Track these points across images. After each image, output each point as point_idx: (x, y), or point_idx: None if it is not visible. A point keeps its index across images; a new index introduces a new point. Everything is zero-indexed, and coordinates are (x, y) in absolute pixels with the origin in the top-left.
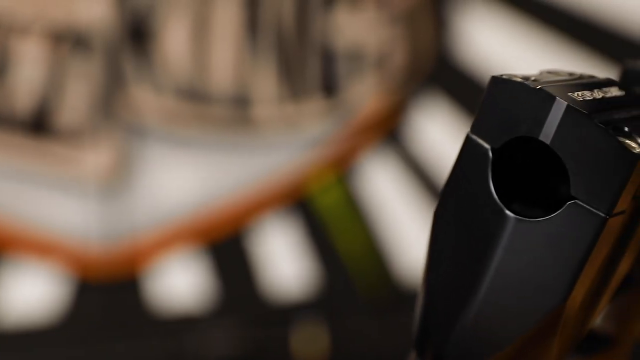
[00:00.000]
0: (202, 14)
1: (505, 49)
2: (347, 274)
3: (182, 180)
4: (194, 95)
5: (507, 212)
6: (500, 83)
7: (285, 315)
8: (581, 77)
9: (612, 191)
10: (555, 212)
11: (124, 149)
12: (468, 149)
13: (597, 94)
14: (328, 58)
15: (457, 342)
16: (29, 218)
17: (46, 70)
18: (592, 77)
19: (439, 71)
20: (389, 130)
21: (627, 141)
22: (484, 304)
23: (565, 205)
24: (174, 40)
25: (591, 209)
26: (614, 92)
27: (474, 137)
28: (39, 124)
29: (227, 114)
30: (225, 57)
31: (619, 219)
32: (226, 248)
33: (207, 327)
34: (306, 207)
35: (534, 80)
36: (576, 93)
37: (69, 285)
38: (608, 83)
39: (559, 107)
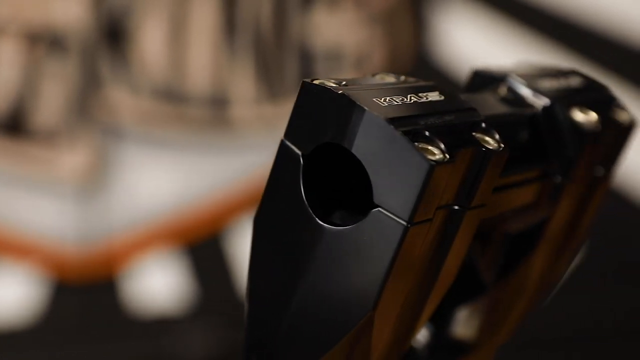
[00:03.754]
0: (179, 14)
1: (484, 48)
2: None
3: (160, 181)
4: (171, 95)
5: (317, 220)
6: (309, 88)
7: None
8: (405, 81)
9: (411, 199)
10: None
11: (100, 150)
12: (282, 155)
13: (410, 99)
14: (306, 58)
15: (277, 354)
16: (5, 219)
17: (22, 71)
18: (417, 81)
19: (418, 71)
20: None
21: (429, 147)
22: (300, 315)
23: (370, 213)
24: (151, 40)
25: (393, 217)
26: (432, 97)
27: (288, 143)
28: (14, 125)
29: (205, 114)
30: (202, 57)
31: (424, 228)
32: (204, 249)
33: (185, 328)
34: None
35: (344, 85)
36: (384, 98)
37: (46, 287)
38: (430, 88)
39: (359, 112)
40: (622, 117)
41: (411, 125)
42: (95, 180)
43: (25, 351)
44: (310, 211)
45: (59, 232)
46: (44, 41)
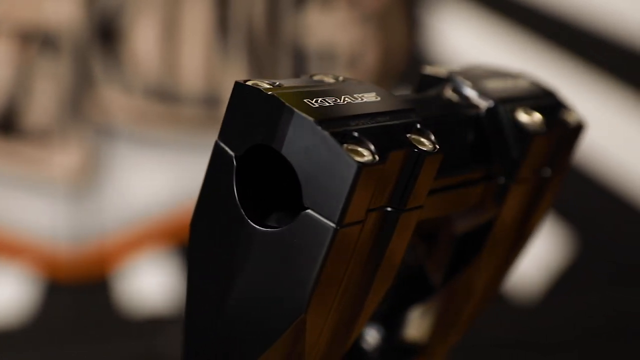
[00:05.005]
0: (172, 13)
1: (478, 48)
2: None
3: (153, 180)
4: (164, 95)
5: (249, 221)
6: (241, 88)
7: None
8: (343, 82)
9: (339, 201)
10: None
11: (93, 149)
12: (216, 156)
13: (343, 100)
14: (299, 58)
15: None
16: None
17: (14, 71)
18: (355, 82)
19: (411, 71)
20: None
21: (358, 149)
22: (235, 319)
23: (300, 215)
24: (144, 40)
25: (322, 219)
26: (368, 98)
27: (221, 144)
28: (6, 125)
29: (198, 114)
30: (195, 57)
31: (356, 229)
32: None
33: (179, 328)
34: None
35: (277, 86)
36: (316, 99)
37: (38, 287)
38: (367, 89)
39: (288, 113)
40: (569, 118)
41: (341, 127)
42: (88, 180)
43: (17, 351)
44: (243, 213)
45: (52, 231)
46: (36, 41)
